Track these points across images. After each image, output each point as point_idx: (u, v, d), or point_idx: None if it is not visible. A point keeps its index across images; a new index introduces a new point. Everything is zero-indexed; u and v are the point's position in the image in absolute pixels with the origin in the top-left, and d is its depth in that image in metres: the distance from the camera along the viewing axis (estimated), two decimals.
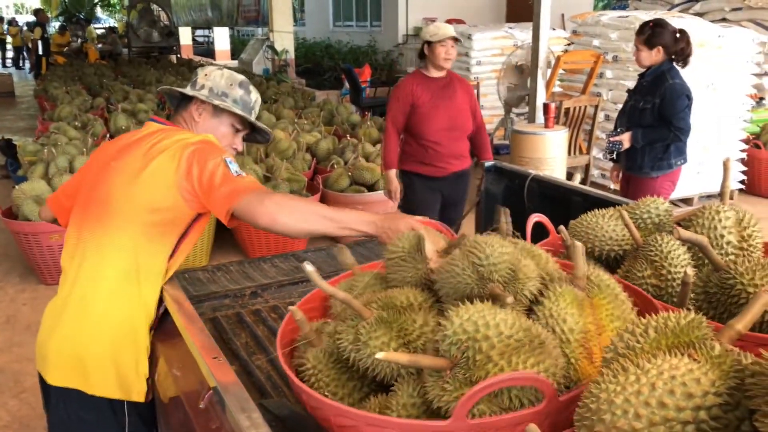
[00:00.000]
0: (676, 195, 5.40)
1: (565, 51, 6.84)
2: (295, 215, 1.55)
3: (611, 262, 1.60)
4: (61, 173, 4.67)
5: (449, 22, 12.49)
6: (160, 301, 1.71)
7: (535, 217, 1.72)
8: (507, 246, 1.15)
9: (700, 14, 7.32)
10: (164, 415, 1.79)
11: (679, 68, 3.63)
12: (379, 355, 0.97)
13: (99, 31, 26.62)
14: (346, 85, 9.90)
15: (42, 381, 1.79)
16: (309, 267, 1.18)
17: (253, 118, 1.93)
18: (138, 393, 1.74)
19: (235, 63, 15.70)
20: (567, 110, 5.54)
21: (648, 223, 1.61)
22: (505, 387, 0.94)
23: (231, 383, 1.15)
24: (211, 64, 1.79)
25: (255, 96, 1.96)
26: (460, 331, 0.98)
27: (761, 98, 6.65)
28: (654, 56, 3.56)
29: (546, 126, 5.29)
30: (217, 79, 1.90)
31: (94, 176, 1.79)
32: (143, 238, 1.67)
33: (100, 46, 20.16)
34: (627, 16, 5.72)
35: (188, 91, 1.88)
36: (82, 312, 1.68)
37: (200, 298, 2.40)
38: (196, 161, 1.64)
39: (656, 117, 3.58)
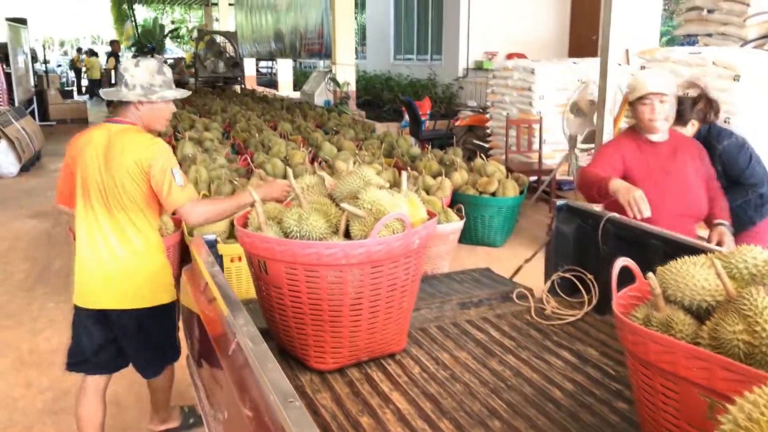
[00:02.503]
0: None
1: None
2: (208, 218, 2.57)
3: (702, 314, 1.50)
4: None
5: (510, 56, 12.47)
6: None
7: (621, 262, 1.64)
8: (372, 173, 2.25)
9: None
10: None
11: (719, 124, 3.50)
12: None
13: (168, 61, 27.72)
14: (406, 117, 9.94)
15: (103, 317, 2.67)
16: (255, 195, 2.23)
17: (173, 88, 2.62)
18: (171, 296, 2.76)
19: (297, 94, 16.04)
20: None
21: (744, 274, 1.51)
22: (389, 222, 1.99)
23: (306, 427, 1.11)
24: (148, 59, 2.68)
25: (168, 71, 2.61)
26: (371, 199, 2.05)
27: None
28: (691, 129, 3.41)
29: None
30: (140, 74, 2.54)
31: (94, 171, 2.55)
32: (145, 210, 2.59)
33: None
34: (699, 53, 5.56)
35: (129, 97, 2.55)
36: (130, 264, 2.60)
37: (263, 331, 2.39)
38: (159, 170, 2.49)
39: (728, 181, 3.42)
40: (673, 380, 1.35)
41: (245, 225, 2.20)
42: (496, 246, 5.68)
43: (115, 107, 2.73)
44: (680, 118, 3.34)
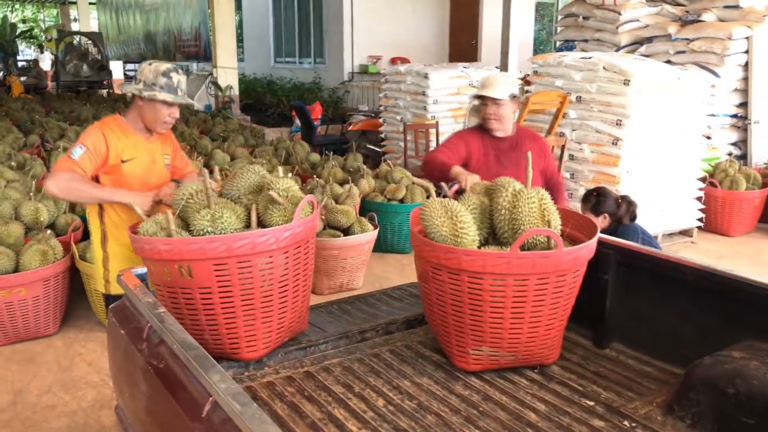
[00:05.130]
0: None
1: (520, 90, 6.87)
2: (64, 190, 2.60)
3: None
4: (5, 221, 4.22)
5: (393, 61, 12.53)
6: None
7: None
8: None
9: (645, 56, 7.56)
10: None
11: (627, 223, 3.76)
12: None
13: (21, 64, 25.44)
14: (297, 122, 9.67)
15: None
16: (137, 209, 2.20)
17: (178, 94, 2.74)
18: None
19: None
20: None
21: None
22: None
23: None
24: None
25: (177, 78, 2.75)
26: (285, 187, 2.15)
27: (707, 137, 6.87)
28: (601, 222, 3.66)
29: None
30: (147, 72, 2.73)
31: None
32: None
33: (24, 79, 19.21)
34: (590, 57, 5.80)
35: (128, 89, 2.79)
36: None
37: None
38: None
39: None
40: None
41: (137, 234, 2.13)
42: (405, 253, 5.60)
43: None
44: (596, 208, 3.67)
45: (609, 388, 2.11)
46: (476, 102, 3.27)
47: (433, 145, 7.34)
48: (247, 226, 2.12)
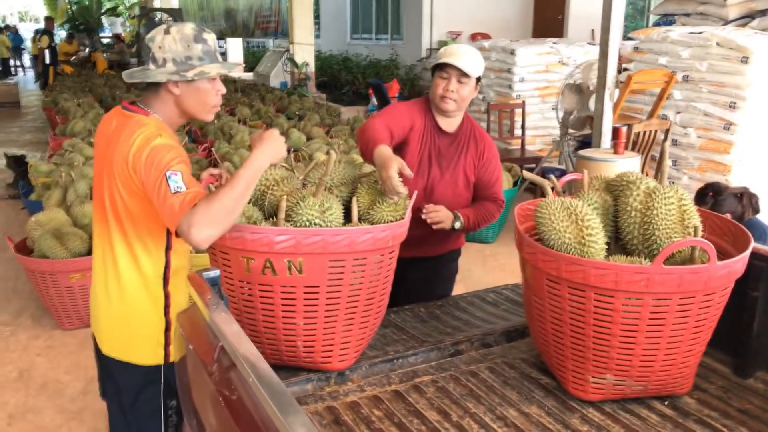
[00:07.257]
0: None
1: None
2: (219, 223, 1.62)
3: None
4: (81, 200, 4.14)
5: (474, 37, 12.04)
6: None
7: None
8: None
9: (759, 31, 6.84)
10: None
11: (750, 217, 3.34)
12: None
13: (105, 40, 26.21)
14: (373, 100, 9.39)
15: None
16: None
17: (220, 61, 1.89)
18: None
19: (248, 75, 15.24)
20: (637, 135, 5.03)
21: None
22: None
23: None
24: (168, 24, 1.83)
25: (211, 38, 1.89)
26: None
27: None
28: None
29: (615, 152, 4.79)
30: (173, 45, 1.84)
31: (98, 178, 1.92)
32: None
33: (107, 55, 19.74)
34: (700, 32, 5.23)
35: (159, 77, 1.82)
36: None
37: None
38: (145, 171, 1.72)
39: None
40: None
41: None
42: (488, 242, 5.26)
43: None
44: (715, 209, 3.21)
45: None
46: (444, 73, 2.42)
47: (518, 126, 6.91)
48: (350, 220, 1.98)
